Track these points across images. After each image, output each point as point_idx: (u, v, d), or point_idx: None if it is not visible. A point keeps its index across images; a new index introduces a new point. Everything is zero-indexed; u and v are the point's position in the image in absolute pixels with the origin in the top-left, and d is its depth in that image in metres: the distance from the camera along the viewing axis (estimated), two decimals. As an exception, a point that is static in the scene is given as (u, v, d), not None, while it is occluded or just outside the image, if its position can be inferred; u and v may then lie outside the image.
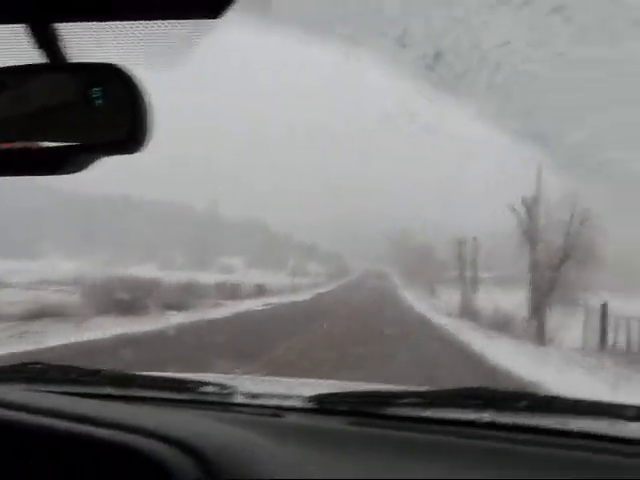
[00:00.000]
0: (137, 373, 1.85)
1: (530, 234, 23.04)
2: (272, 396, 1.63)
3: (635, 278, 28.12)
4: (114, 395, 1.58)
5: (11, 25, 1.04)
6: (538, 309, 22.74)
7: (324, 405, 1.59)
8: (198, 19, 1.03)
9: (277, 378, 1.56)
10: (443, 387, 1.73)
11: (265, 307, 25.43)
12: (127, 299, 19.09)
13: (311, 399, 1.61)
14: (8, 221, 48.57)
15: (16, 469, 1.10)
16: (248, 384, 1.78)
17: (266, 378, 1.87)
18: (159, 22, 1.03)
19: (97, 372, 1.79)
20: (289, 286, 40.34)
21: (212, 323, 17.71)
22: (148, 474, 1.03)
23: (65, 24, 1.04)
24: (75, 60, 1.08)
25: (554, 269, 22.27)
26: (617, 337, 19.12)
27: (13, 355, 9.23)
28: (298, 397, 1.62)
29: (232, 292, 30.14)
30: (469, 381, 9.31)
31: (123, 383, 1.67)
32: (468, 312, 27.99)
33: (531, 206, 23.01)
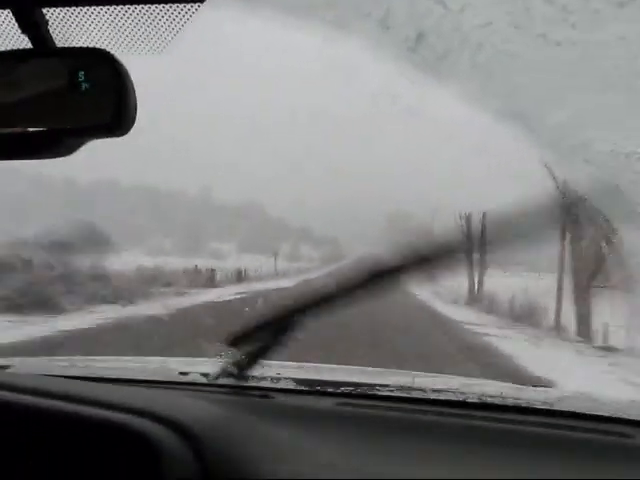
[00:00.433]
0: (127, 357, 1.86)
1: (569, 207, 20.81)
2: (262, 378, 1.65)
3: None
4: (104, 378, 1.59)
5: None
6: (582, 300, 17.55)
7: (313, 386, 1.61)
8: (185, 3, 1.04)
9: (267, 361, 1.57)
10: None
11: (234, 297, 21.25)
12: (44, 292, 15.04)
13: (300, 381, 1.63)
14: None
15: (10, 449, 1.11)
16: (238, 367, 1.80)
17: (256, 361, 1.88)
18: (146, 6, 1.04)
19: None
20: (281, 271, 38.90)
21: (145, 321, 13.49)
22: (138, 452, 1.04)
23: (51, 9, 1.04)
24: (61, 45, 1.08)
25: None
26: None
27: None
28: (287, 379, 1.63)
29: (208, 279, 27.70)
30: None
31: (113, 366, 1.68)
32: (477, 300, 24.73)
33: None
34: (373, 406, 1.52)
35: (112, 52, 1.04)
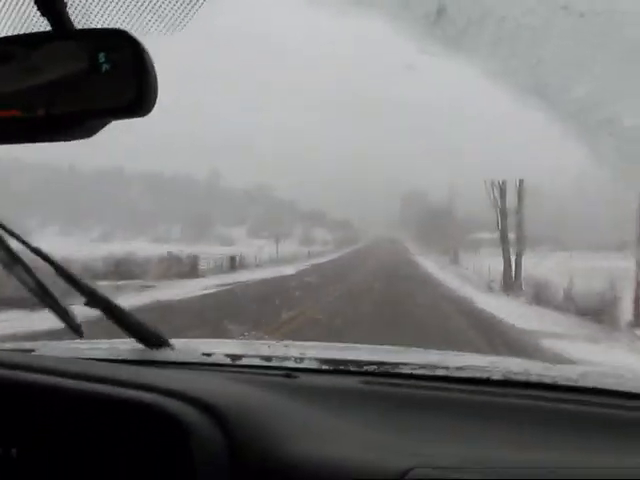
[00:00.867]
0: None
1: None
2: (285, 358, 1.66)
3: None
4: (127, 360, 1.61)
5: None
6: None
7: (337, 366, 1.62)
8: None
9: (291, 342, 1.58)
10: None
11: (205, 291, 17.88)
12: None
13: (324, 361, 1.63)
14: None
15: (43, 429, 1.14)
16: (263, 348, 1.81)
17: (280, 342, 1.89)
18: None
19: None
20: (289, 256, 37.34)
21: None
22: (167, 431, 1.07)
23: None
24: (81, 27, 1.08)
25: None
26: None
27: None
28: (311, 359, 1.64)
29: (191, 268, 23.96)
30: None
31: (140, 349, 1.70)
32: (516, 286, 20.60)
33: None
34: (397, 384, 1.52)
35: (132, 32, 1.04)
